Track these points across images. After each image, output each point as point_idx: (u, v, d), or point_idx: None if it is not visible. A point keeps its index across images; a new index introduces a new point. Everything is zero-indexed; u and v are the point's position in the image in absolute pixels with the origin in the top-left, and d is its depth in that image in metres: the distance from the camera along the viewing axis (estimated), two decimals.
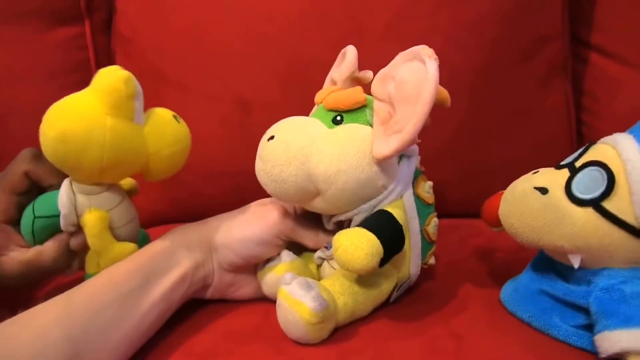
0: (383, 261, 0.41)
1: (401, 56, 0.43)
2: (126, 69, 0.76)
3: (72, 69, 0.73)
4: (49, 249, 0.46)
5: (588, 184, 0.39)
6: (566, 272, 0.42)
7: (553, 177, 0.41)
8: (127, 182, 0.52)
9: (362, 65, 0.50)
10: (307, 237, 0.48)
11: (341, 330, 0.44)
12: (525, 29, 0.66)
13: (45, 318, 0.38)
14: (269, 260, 0.49)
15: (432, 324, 0.45)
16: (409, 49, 0.42)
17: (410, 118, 0.40)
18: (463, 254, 0.59)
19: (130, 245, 0.46)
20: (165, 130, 0.45)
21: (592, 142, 0.42)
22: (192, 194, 0.71)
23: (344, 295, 0.44)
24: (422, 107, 0.39)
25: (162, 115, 0.46)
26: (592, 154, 0.40)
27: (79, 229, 0.46)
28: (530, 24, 0.66)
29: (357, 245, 0.40)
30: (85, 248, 0.46)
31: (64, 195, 0.44)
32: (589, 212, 0.38)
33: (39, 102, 0.69)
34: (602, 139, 0.42)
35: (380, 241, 0.40)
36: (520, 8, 0.65)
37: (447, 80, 0.64)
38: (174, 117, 0.46)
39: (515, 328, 0.44)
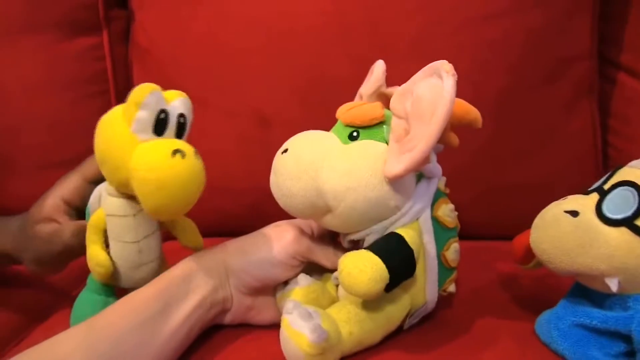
0: (390, 286, 0.40)
1: (422, 72, 0.41)
2: (143, 80, 0.75)
3: (89, 79, 0.73)
4: (69, 225, 0.48)
5: (619, 204, 0.39)
6: (603, 301, 0.41)
7: (582, 201, 0.41)
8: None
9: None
10: (324, 257, 0.47)
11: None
12: (552, 49, 0.65)
13: (66, 347, 0.38)
14: (287, 283, 0.47)
15: (460, 358, 0.43)
16: (430, 64, 0.40)
17: (423, 136, 0.38)
18: (487, 279, 0.57)
19: (101, 258, 0.45)
20: (148, 153, 0.41)
21: (619, 166, 0.42)
22: (208, 209, 0.70)
23: (349, 323, 0.42)
24: (434, 126, 0.38)
25: (162, 143, 0.42)
26: (620, 176, 0.41)
27: None
28: (557, 44, 0.65)
29: (361, 269, 0.39)
30: None
31: (97, 188, 0.47)
32: (622, 232, 0.38)
33: (53, 112, 0.69)
34: (630, 163, 0.42)
35: (387, 266, 0.39)
36: (547, 28, 0.64)
37: (470, 100, 0.63)
38: (176, 152, 0.41)
39: None
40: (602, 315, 0.41)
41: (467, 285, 0.54)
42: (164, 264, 0.49)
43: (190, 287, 0.44)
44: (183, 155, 0.41)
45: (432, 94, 0.39)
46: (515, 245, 0.48)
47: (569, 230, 0.40)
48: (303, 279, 0.46)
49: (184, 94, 0.45)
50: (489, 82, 0.64)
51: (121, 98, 0.74)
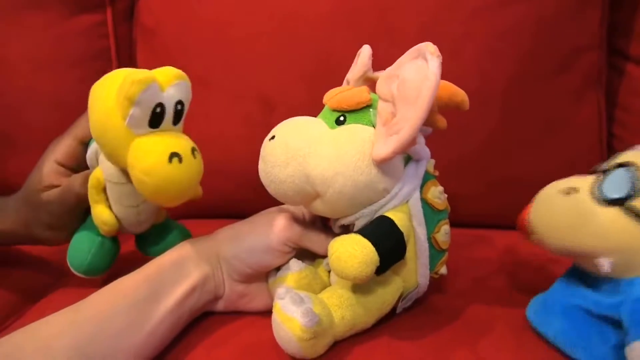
0: (380, 270, 0.40)
1: (407, 54, 0.41)
2: (147, 60, 0.75)
3: (93, 57, 0.73)
4: (77, 177, 0.49)
5: (616, 184, 0.38)
6: (598, 284, 0.41)
7: (580, 181, 0.41)
8: None
9: None
10: (316, 243, 0.47)
11: (351, 347, 0.43)
12: (562, 39, 0.64)
13: (53, 329, 0.39)
14: (279, 269, 0.47)
15: (456, 346, 0.43)
16: (415, 46, 0.40)
17: (409, 119, 0.38)
18: (486, 268, 0.57)
19: (107, 217, 0.47)
20: (145, 157, 0.41)
21: (622, 152, 0.42)
22: (211, 192, 0.70)
23: (341, 308, 0.42)
24: (420, 107, 0.38)
25: (159, 143, 0.42)
26: (624, 157, 0.40)
27: None
28: (567, 33, 0.64)
29: (351, 252, 0.39)
30: None
31: (93, 144, 0.48)
32: (617, 212, 0.38)
33: (57, 90, 0.69)
34: (636, 146, 0.41)
35: (377, 249, 0.39)
36: (558, 17, 0.63)
37: (479, 88, 0.63)
38: (173, 156, 0.41)
39: (544, 355, 0.42)
40: (595, 299, 0.40)
41: (467, 273, 0.54)
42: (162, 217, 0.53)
43: (180, 274, 0.44)
44: (180, 159, 0.41)
45: (417, 75, 0.38)
46: (520, 218, 0.46)
47: (561, 208, 0.40)
48: (295, 264, 0.46)
49: (179, 73, 0.43)
50: (498, 71, 0.63)
51: None
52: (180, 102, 0.43)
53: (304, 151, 0.41)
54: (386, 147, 0.39)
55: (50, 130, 0.51)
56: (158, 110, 0.41)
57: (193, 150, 0.43)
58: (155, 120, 0.42)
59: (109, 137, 0.42)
